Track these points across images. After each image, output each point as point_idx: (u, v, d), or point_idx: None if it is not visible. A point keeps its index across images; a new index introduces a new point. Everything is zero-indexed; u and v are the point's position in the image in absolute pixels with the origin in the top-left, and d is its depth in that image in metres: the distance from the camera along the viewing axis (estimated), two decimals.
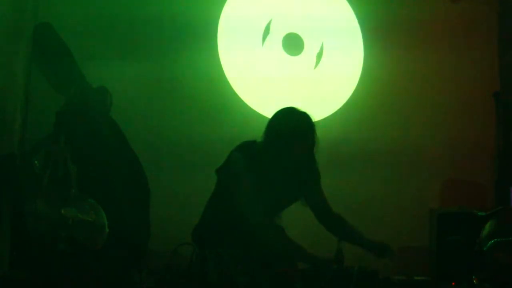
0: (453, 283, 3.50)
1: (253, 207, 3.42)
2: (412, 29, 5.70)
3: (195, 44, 5.16)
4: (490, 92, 5.13)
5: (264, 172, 3.45)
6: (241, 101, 5.27)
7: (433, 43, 5.77)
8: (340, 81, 5.57)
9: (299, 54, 5.50)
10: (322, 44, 5.52)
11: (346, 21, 5.66)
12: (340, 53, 5.59)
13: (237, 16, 5.34)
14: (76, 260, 3.32)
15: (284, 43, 5.46)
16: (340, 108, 5.53)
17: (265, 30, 5.39)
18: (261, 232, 3.37)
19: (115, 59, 4.85)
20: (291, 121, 3.44)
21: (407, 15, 5.70)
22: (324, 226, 3.67)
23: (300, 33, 5.51)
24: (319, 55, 5.48)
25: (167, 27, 5.09)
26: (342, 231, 3.60)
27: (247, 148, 3.51)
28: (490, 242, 3.61)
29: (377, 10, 5.65)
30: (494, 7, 5.99)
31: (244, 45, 5.34)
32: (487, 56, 5.92)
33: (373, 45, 5.65)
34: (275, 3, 5.48)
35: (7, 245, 3.61)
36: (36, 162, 3.81)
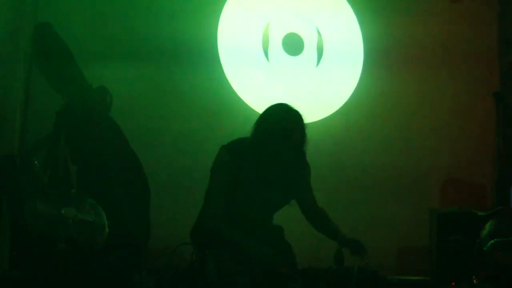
0: (453, 283, 3.50)
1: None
2: (412, 29, 5.70)
3: (195, 44, 5.16)
4: (490, 92, 5.13)
5: (252, 168, 3.44)
6: (241, 101, 5.27)
7: (433, 43, 5.77)
8: (340, 81, 5.57)
9: (299, 54, 5.50)
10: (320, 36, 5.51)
11: (346, 20, 5.66)
12: (340, 53, 5.58)
13: (237, 16, 5.34)
14: (76, 260, 3.32)
15: (284, 43, 5.46)
16: (340, 108, 5.53)
17: (264, 31, 5.39)
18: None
19: (115, 59, 4.85)
20: (279, 118, 3.43)
21: (408, 16, 5.70)
22: (306, 218, 3.65)
23: (300, 33, 5.51)
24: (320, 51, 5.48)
25: (167, 27, 5.08)
26: (321, 225, 3.60)
27: (236, 145, 3.51)
28: (490, 242, 3.61)
29: (376, 10, 5.65)
30: (494, 7, 5.99)
31: (244, 45, 5.34)
32: (487, 56, 5.92)
33: (373, 46, 5.64)
34: (275, 3, 5.47)
35: (7, 245, 3.62)
36: (36, 162, 3.80)
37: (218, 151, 3.53)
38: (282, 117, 3.43)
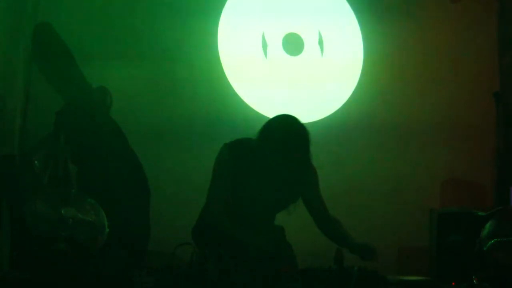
0: (453, 283, 3.50)
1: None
2: (412, 29, 5.70)
3: (195, 44, 5.16)
4: (490, 92, 5.13)
5: (252, 169, 3.45)
6: (241, 101, 5.27)
7: (433, 43, 5.77)
8: (340, 81, 5.57)
9: (299, 54, 5.50)
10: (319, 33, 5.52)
11: (346, 21, 5.66)
12: (340, 53, 5.58)
13: (238, 16, 5.34)
14: (76, 260, 3.32)
15: (284, 43, 5.46)
16: (340, 108, 5.53)
17: (264, 31, 5.39)
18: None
19: (115, 59, 4.85)
20: (283, 132, 3.41)
21: (407, 15, 5.70)
22: (321, 231, 3.67)
23: (300, 33, 5.51)
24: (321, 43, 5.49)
25: (167, 27, 5.08)
26: (331, 233, 3.62)
27: (238, 144, 3.52)
28: (490, 242, 3.61)
29: (376, 10, 5.65)
30: (494, 7, 5.99)
31: (244, 45, 5.34)
32: (487, 56, 5.92)
33: (373, 46, 5.65)
34: (275, 3, 5.47)
35: (7, 245, 3.62)
36: (36, 162, 3.81)
37: (220, 148, 3.55)
38: (287, 132, 3.42)
